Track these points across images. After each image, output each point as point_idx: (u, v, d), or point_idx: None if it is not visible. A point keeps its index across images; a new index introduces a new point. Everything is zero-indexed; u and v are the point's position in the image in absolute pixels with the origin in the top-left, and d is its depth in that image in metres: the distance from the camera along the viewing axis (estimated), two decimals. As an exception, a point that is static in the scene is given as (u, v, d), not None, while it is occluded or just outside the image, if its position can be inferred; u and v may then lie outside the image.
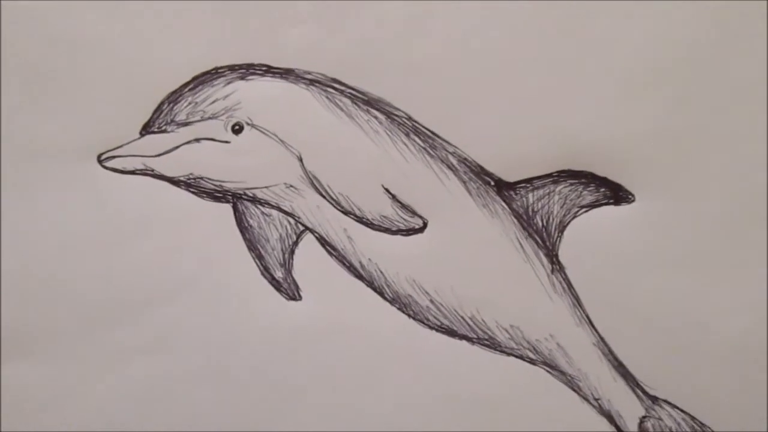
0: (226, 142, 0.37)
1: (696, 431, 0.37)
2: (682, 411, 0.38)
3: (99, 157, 0.37)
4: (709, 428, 0.37)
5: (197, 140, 0.37)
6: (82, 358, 0.38)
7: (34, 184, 0.38)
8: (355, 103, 0.37)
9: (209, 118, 0.37)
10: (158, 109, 0.37)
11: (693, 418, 0.37)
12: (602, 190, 0.38)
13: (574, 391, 0.38)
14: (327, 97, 0.37)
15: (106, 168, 0.37)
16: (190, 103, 0.37)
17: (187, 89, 0.37)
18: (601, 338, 0.38)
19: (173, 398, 0.38)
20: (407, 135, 0.38)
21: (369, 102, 0.37)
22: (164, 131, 0.37)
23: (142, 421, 0.38)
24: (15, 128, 0.38)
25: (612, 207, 0.38)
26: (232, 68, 0.37)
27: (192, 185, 0.38)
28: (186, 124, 0.37)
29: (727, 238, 0.38)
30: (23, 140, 0.38)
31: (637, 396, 0.38)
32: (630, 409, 0.38)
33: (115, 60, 0.37)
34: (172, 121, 0.37)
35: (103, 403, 0.38)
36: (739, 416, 0.37)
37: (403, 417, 0.38)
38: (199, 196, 0.38)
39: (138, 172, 0.37)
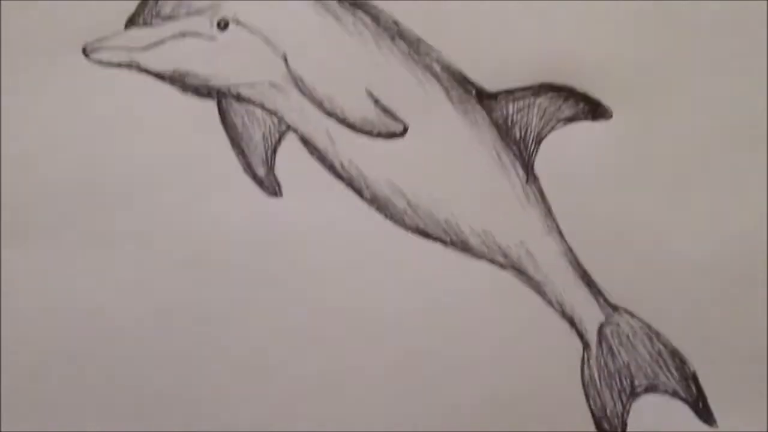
0: (212, 38, 0.37)
1: (651, 338, 0.39)
2: (640, 320, 0.39)
3: (84, 49, 0.37)
4: (665, 337, 0.39)
5: (182, 35, 0.37)
6: (65, 246, 0.39)
7: (18, 75, 0.38)
8: (342, 5, 0.37)
9: (195, 13, 0.37)
10: (144, 2, 0.37)
11: (650, 326, 0.39)
12: (581, 105, 0.38)
13: (540, 295, 0.38)
14: None
15: (91, 60, 0.37)
16: None
17: None
18: (569, 248, 0.38)
19: (155, 287, 0.39)
20: (392, 39, 0.37)
21: (356, 4, 0.37)
22: (149, 25, 0.37)
23: (126, 305, 0.39)
24: (4, 22, 0.38)
25: (589, 123, 0.38)
26: (218, -38, 0.36)
27: (177, 80, 0.38)
28: (171, 18, 0.37)
29: (702, 161, 0.39)
30: (5, 31, 0.38)
31: (599, 303, 0.38)
32: (591, 315, 0.38)
33: (101, -51, 0.36)
34: (157, 14, 0.37)
35: (86, 289, 0.39)
36: (694, 327, 0.39)
37: (375, 311, 0.39)
38: (184, 92, 0.38)
39: (123, 65, 0.37)
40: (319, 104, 0.37)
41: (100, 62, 0.37)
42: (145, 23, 0.37)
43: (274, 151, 0.38)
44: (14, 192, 0.38)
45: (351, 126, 0.37)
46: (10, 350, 0.39)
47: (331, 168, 0.38)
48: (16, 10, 0.38)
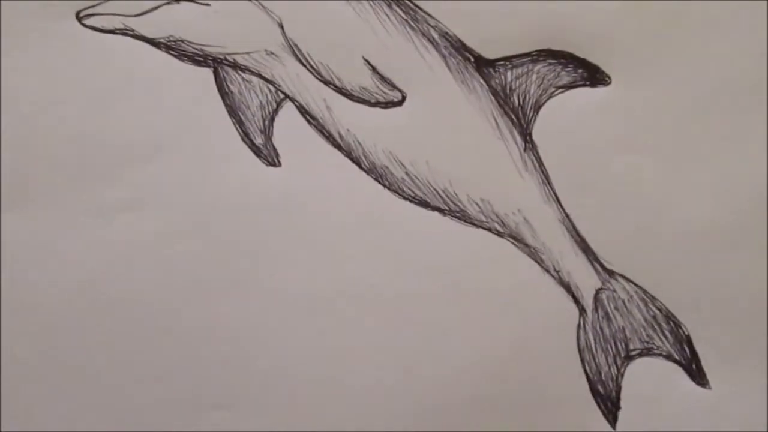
0: (206, 4, 0.37)
1: (646, 302, 0.39)
2: (635, 285, 0.39)
3: (77, 14, 0.37)
4: (660, 301, 0.39)
5: (177, 1, 0.37)
6: (62, 214, 0.38)
7: (11, 41, 0.37)
8: None
9: None
10: None
11: (645, 291, 0.39)
12: (580, 71, 0.37)
13: (537, 263, 0.39)
14: None
15: (85, 26, 0.37)
16: None
17: None
18: (567, 215, 0.38)
19: (152, 255, 0.38)
20: (389, 6, 0.37)
21: None
22: None
23: (123, 274, 0.39)
24: None
25: (588, 89, 0.38)
26: (212, -72, 0.36)
27: (172, 48, 0.37)
28: None
29: (701, 125, 0.38)
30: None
31: (595, 270, 0.38)
32: (587, 282, 0.39)
33: None
34: None
35: (84, 257, 0.38)
36: (689, 292, 0.39)
37: (374, 280, 0.39)
38: (180, 59, 0.38)
39: (118, 31, 0.37)
40: (315, 72, 0.37)
41: (94, 28, 0.37)
42: None
43: (272, 120, 0.38)
44: (11, 158, 0.38)
45: (348, 95, 0.37)
46: (8, 315, 0.39)
47: (329, 137, 0.38)
48: None
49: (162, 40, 0.37)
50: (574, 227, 0.38)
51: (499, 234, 0.39)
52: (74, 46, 0.37)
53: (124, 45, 0.37)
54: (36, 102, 0.37)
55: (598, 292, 0.38)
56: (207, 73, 0.38)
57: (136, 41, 0.37)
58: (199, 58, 0.37)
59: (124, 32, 0.37)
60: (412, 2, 0.37)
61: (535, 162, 0.38)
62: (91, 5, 0.37)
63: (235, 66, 0.38)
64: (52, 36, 0.37)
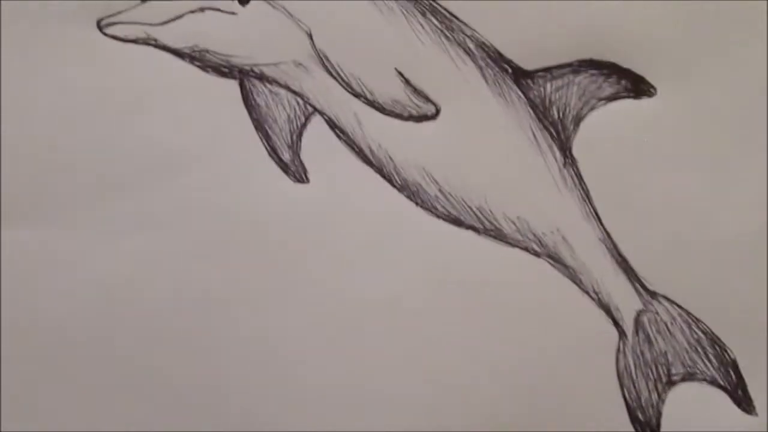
0: (232, 13, 0.36)
1: (690, 324, 0.38)
2: (678, 306, 0.38)
3: (98, 22, 0.36)
4: (704, 323, 0.38)
5: (202, 10, 0.36)
6: (81, 228, 0.38)
7: (33, 49, 0.37)
8: None
9: None
10: None
11: (688, 313, 0.38)
12: (623, 82, 0.36)
13: (575, 284, 0.38)
14: None
15: (106, 35, 0.36)
16: None
17: None
18: (607, 234, 0.37)
19: (172, 275, 0.38)
20: (423, 15, 0.36)
21: None
22: None
23: (140, 293, 0.38)
24: None
25: (632, 101, 0.37)
26: (238, -67, 0.35)
27: (197, 58, 0.37)
28: None
29: (749, 139, 0.37)
30: (18, 3, 0.37)
31: (637, 291, 0.37)
32: (628, 303, 0.37)
33: None
34: None
35: (102, 273, 0.38)
36: (735, 314, 0.38)
37: (405, 300, 0.38)
38: (205, 70, 0.37)
39: (140, 41, 0.36)
40: (346, 84, 0.36)
41: (116, 37, 0.36)
42: None
43: (300, 134, 0.37)
44: (24, 171, 0.38)
45: (380, 108, 0.36)
46: (16, 335, 0.38)
47: (359, 152, 0.37)
48: None
49: (186, 50, 0.36)
50: (615, 246, 0.37)
51: (536, 254, 0.38)
52: (94, 56, 0.36)
53: (146, 55, 0.36)
54: (52, 113, 0.37)
55: (639, 314, 0.37)
56: (232, 85, 0.37)
57: (158, 51, 0.36)
58: (224, 69, 0.37)
59: (147, 41, 0.36)
60: (447, 11, 0.36)
61: (575, 178, 0.37)
62: (112, 13, 0.36)
63: (262, 78, 0.37)
64: (71, 45, 0.36)
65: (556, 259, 0.38)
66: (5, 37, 0.36)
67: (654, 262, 0.37)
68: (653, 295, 0.37)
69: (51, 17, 0.37)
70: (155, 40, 0.36)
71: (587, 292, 0.38)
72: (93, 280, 0.38)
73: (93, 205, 0.38)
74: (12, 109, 0.37)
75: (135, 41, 0.36)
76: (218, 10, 0.36)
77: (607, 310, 0.38)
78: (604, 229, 0.37)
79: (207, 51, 0.36)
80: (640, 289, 0.37)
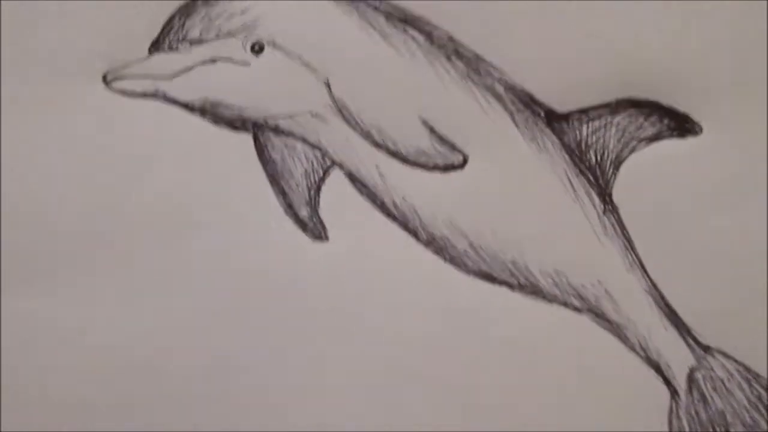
0: (245, 63, 0.35)
1: (749, 380, 0.36)
2: (735, 361, 0.36)
3: (105, 77, 0.35)
4: (765, 378, 0.36)
5: (213, 61, 0.35)
6: (86, 295, 0.37)
7: (34, 105, 0.36)
8: (390, 21, 0.35)
9: (226, 35, 0.35)
10: (169, 24, 0.35)
11: (747, 368, 0.36)
12: (666, 121, 0.35)
13: (621, 340, 0.36)
14: (358, 14, 0.35)
15: (112, 90, 0.35)
16: (204, 19, 0.35)
17: (200, 2, 0.35)
18: (653, 284, 0.36)
19: (184, 341, 0.37)
20: (448, 58, 0.35)
21: (405, 20, 0.35)
22: (176, 50, 0.35)
23: (152, 362, 0.37)
24: (10, 42, 0.36)
25: (676, 141, 0.36)
26: (251, -22, 0.34)
27: (208, 111, 0.36)
28: (200, 42, 0.35)
29: None
30: (20, 56, 0.36)
31: (688, 345, 0.36)
32: (680, 359, 0.36)
33: (120, -32, 0.34)
34: (184, 38, 0.35)
35: (110, 342, 0.37)
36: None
37: (435, 364, 0.37)
38: (216, 124, 0.36)
39: (148, 95, 0.35)
40: (366, 135, 0.35)
41: (123, 92, 0.35)
42: (171, 48, 0.35)
43: (318, 189, 0.37)
44: (28, 233, 0.37)
45: (403, 159, 0.35)
46: (15, 409, 0.37)
47: (382, 207, 0.36)
48: (31, 32, 0.36)
49: (197, 104, 0.35)
50: (663, 298, 0.36)
51: (577, 309, 0.36)
52: (99, 111, 0.36)
53: (154, 109, 0.35)
54: (55, 172, 0.36)
55: (692, 371, 0.36)
56: (246, 139, 0.36)
57: (167, 105, 0.35)
58: (237, 123, 0.36)
59: (155, 96, 0.35)
60: (472, 53, 0.35)
61: (616, 226, 0.36)
62: (118, 67, 0.35)
63: (277, 130, 0.36)
64: (75, 100, 0.36)
65: (598, 315, 0.36)
66: (5, 91, 0.36)
67: (706, 313, 0.36)
68: (707, 349, 0.36)
69: (53, 70, 0.36)
70: (164, 93, 0.35)
71: (634, 349, 0.36)
72: (99, 350, 0.37)
73: (98, 269, 0.37)
74: (13, 169, 0.36)
75: (143, 95, 0.35)
76: (230, 60, 0.35)
77: (657, 368, 0.36)
78: (650, 279, 0.36)
79: (219, 104, 0.35)
80: (693, 344, 0.36)
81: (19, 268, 0.37)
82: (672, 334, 0.36)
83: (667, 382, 0.36)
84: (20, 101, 0.36)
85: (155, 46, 0.35)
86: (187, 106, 0.35)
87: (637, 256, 0.36)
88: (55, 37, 0.36)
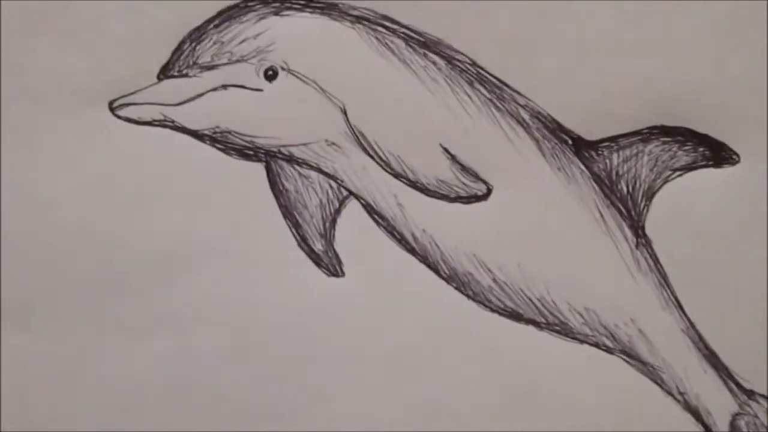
0: (258, 90, 0.34)
1: None
2: None
3: (111, 104, 0.35)
4: None
5: (224, 87, 0.35)
6: (91, 332, 0.37)
7: (38, 133, 0.36)
8: (410, 46, 0.35)
9: (238, 60, 0.34)
10: (179, 48, 0.35)
11: None
12: (701, 149, 0.35)
13: (657, 383, 0.36)
14: (376, 38, 0.35)
15: (119, 117, 0.35)
16: (215, 43, 0.34)
17: (212, 26, 0.35)
18: (691, 323, 0.36)
19: (193, 379, 0.36)
20: (470, 84, 0.35)
21: (426, 44, 0.35)
22: (186, 75, 0.34)
23: (160, 403, 0.37)
24: (16, 69, 0.36)
25: (711, 170, 0.35)
26: (264, 1, 0.35)
27: (218, 140, 0.35)
28: (211, 67, 0.34)
29: None
30: (25, 83, 0.36)
31: (730, 390, 0.36)
32: (721, 405, 0.36)
33: (130, -9, 0.35)
34: (194, 63, 0.34)
35: (115, 381, 0.37)
36: None
37: (457, 405, 0.36)
38: (227, 153, 0.36)
39: (156, 122, 0.35)
40: (385, 164, 0.35)
41: (130, 120, 0.35)
42: (181, 73, 0.34)
43: (334, 221, 0.36)
44: (29, 268, 0.36)
45: (423, 189, 0.35)
46: None
47: (401, 240, 0.36)
48: (35, 59, 0.36)
49: (207, 132, 0.35)
50: (701, 338, 0.36)
51: (609, 350, 0.36)
52: (105, 139, 0.36)
53: (162, 137, 0.35)
54: (59, 203, 0.36)
55: (734, 417, 0.36)
56: (258, 169, 0.36)
57: (176, 133, 0.35)
58: (248, 152, 0.35)
59: (164, 123, 0.35)
60: (497, 79, 0.35)
61: (650, 260, 0.36)
62: (125, 94, 0.35)
63: (291, 159, 0.36)
64: (80, 128, 0.36)
65: (632, 356, 0.36)
66: (7, 120, 0.36)
67: (748, 354, 0.36)
68: (750, 394, 0.36)
69: (58, 97, 0.36)
70: (173, 121, 0.35)
71: (671, 393, 0.36)
72: (103, 388, 0.37)
73: (103, 304, 0.37)
74: (15, 199, 0.36)
75: (150, 123, 0.35)
76: (242, 86, 0.34)
77: (696, 414, 0.36)
78: (687, 318, 0.36)
79: (230, 132, 0.35)
80: (735, 388, 0.36)
81: (18, 302, 0.37)
82: (712, 377, 0.36)
83: (708, 429, 0.36)
84: (22, 129, 0.36)
85: (164, 72, 0.35)
86: (197, 134, 0.35)
87: (672, 292, 0.36)
88: (61, 65, 0.36)
